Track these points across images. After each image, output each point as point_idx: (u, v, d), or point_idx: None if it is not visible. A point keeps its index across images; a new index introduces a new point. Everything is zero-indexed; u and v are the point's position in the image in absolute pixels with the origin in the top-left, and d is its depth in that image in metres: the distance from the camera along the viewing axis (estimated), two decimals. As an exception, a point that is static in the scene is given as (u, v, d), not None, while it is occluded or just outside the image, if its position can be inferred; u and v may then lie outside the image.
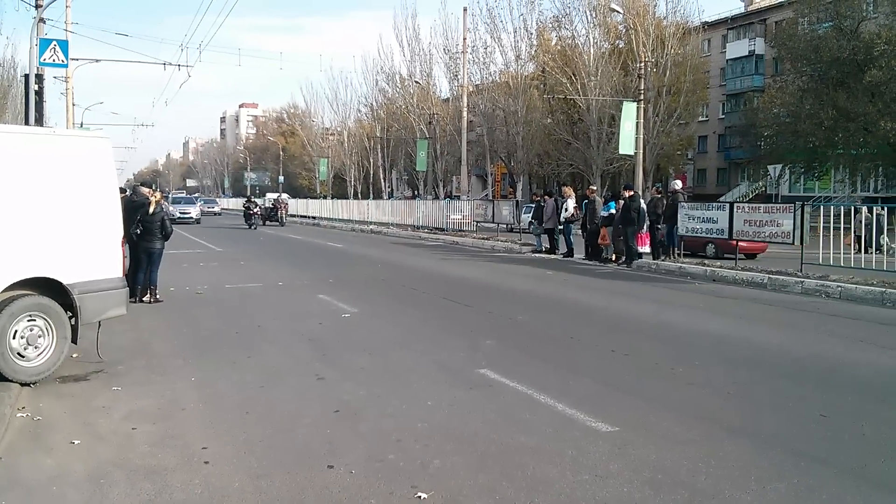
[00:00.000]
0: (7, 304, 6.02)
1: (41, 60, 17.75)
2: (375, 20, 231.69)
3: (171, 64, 26.61)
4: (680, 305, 11.19)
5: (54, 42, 18.21)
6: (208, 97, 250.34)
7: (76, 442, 4.79)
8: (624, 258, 16.81)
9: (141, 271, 10.91)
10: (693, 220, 15.92)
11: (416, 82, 51.26)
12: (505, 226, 26.48)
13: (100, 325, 6.90)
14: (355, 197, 58.15)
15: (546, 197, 20.62)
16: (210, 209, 55.32)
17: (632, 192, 17.05)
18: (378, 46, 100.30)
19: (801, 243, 13.52)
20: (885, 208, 16.15)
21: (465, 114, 37.54)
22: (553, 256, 19.34)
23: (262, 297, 11.75)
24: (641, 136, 28.92)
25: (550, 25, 44.04)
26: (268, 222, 38.98)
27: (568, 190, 20.63)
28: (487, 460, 4.48)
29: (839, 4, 35.24)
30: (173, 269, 13.80)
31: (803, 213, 13.49)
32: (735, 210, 15.10)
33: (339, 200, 49.66)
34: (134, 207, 10.81)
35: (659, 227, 16.71)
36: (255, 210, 35.69)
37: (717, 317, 10.27)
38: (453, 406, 5.61)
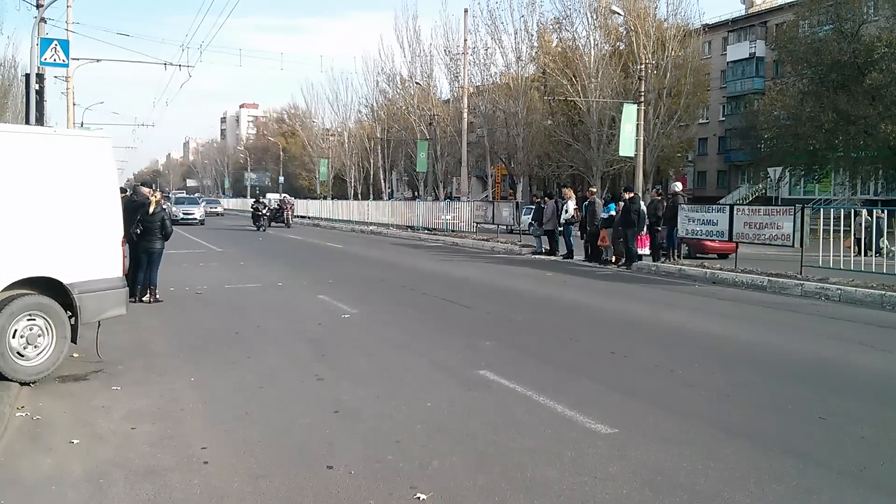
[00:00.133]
0: (7, 304, 6.02)
1: (42, 60, 17.77)
2: (376, 21, 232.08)
3: (171, 64, 26.62)
4: (679, 307, 11.20)
5: (55, 42, 18.23)
6: (209, 97, 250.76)
7: (75, 441, 4.79)
8: (624, 260, 16.82)
9: (141, 271, 10.91)
10: (693, 222, 15.92)
11: (417, 83, 51.23)
12: (505, 227, 26.47)
13: (99, 324, 6.90)
14: (355, 198, 58.11)
15: (546, 198, 20.64)
16: (213, 210, 53.62)
17: (632, 194, 17.05)
18: (379, 47, 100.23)
19: (801, 246, 13.52)
20: (885, 211, 16.16)
21: (465, 115, 37.54)
22: (553, 258, 19.34)
23: (262, 297, 11.75)
24: (642, 138, 28.89)
25: (551, 27, 44.08)
26: (273, 223, 37.87)
27: (568, 191, 20.64)
28: (486, 461, 4.48)
29: (840, 7, 35.26)
30: (173, 269, 13.81)
31: (803, 216, 13.50)
32: (735, 212, 15.11)
33: (339, 201, 49.64)
34: (134, 207, 10.81)
35: (658, 229, 16.71)
36: (263, 211, 34.57)
37: (716, 319, 10.27)
38: (452, 407, 5.61)
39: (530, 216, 22.64)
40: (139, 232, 10.85)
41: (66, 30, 23.47)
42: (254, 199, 39.43)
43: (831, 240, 13.66)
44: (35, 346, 6.19)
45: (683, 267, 15.45)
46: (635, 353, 7.68)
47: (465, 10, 36.62)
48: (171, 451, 4.62)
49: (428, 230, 30.56)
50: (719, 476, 4.25)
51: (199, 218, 39.23)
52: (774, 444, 4.83)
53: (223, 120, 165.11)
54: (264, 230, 32.84)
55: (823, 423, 5.33)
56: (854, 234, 15.62)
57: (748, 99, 48.69)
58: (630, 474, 4.27)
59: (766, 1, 52.59)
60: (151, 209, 11.06)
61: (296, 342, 8.10)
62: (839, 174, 40.50)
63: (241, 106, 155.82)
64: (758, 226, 14.42)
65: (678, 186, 18.29)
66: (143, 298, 10.83)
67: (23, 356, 6.11)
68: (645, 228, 16.90)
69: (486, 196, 54.03)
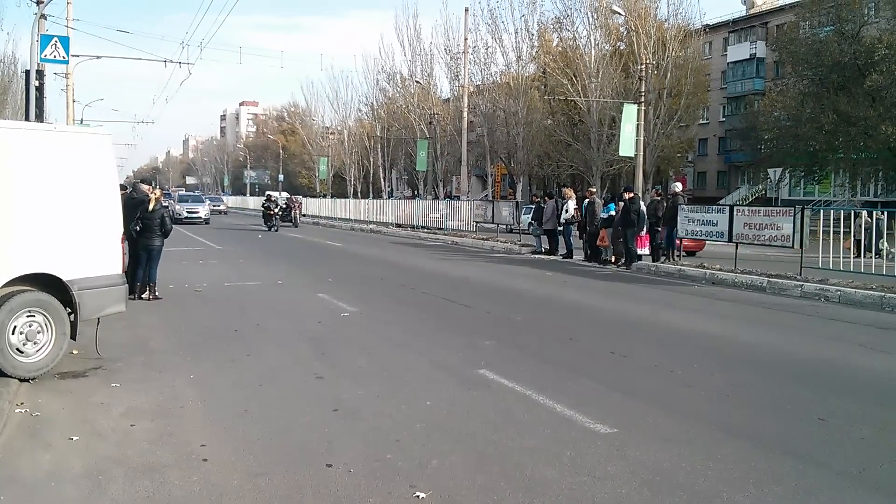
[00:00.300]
0: (6, 300, 6.01)
1: (42, 57, 17.75)
2: (376, 20, 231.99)
3: (172, 61, 26.56)
4: (679, 307, 11.20)
5: (55, 38, 18.20)
6: (209, 95, 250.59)
7: (74, 438, 4.79)
8: (623, 260, 16.82)
9: (140, 268, 10.90)
10: (693, 222, 15.92)
11: (417, 82, 51.24)
12: (505, 227, 26.47)
13: (99, 321, 6.90)
14: (355, 196, 58.13)
15: (546, 198, 20.65)
16: (216, 208, 51.79)
17: (632, 194, 17.05)
18: (379, 46, 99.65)
19: (801, 247, 13.53)
20: (885, 213, 16.16)
21: (465, 114, 37.54)
22: (552, 258, 19.35)
23: (262, 295, 11.75)
24: (642, 139, 28.89)
25: (552, 26, 44.09)
26: (281, 223, 35.47)
27: (568, 191, 20.62)
28: (486, 460, 4.48)
29: (841, 9, 35.25)
30: (172, 267, 13.79)
31: (803, 217, 13.50)
32: (735, 213, 15.11)
33: (339, 200, 49.59)
34: (134, 204, 10.80)
35: (658, 229, 16.71)
36: (275, 210, 32.64)
37: (716, 319, 10.27)
38: (452, 406, 5.61)
39: (530, 216, 22.64)
40: (139, 229, 10.84)
41: (67, 26, 23.45)
42: (265, 198, 37.53)
43: (831, 241, 13.66)
44: (34, 343, 6.18)
45: (683, 267, 15.45)
46: (635, 353, 7.68)
47: (466, 9, 36.77)
48: (171, 448, 4.62)
49: (427, 229, 30.55)
50: (718, 476, 4.25)
51: (203, 217, 37.66)
52: (774, 444, 4.83)
53: (223, 117, 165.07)
54: (276, 230, 31.17)
55: (823, 423, 5.33)
56: (854, 236, 15.62)
57: (748, 100, 48.68)
58: (629, 474, 4.27)
59: (767, 2, 52.61)
60: (151, 206, 11.04)
61: (295, 340, 8.10)
62: (839, 175, 40.51)
63: (241, 104, 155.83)
64: (757, 227, 14.42)
65: (678, 187, 18.29)
66: (143, 296, 10.82)
67: (22, 353, 6.10)
68: (645, 229, 16.91)
69: (486, 195, 54.03)
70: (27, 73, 17.94)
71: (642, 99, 28.31)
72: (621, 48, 40.56)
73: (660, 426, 5.16)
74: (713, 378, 6.66)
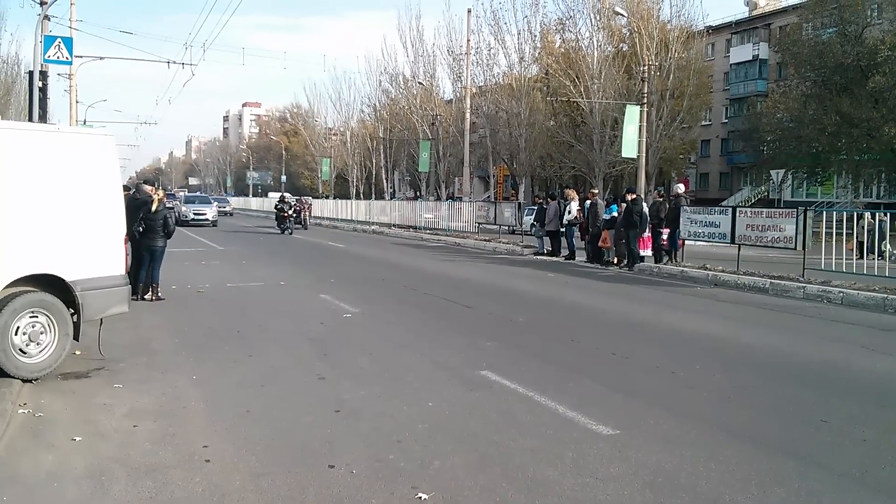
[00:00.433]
0: (10, 301, 6.03)
1: (45, 57, 17.79)
2: (376, 21, 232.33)
3: (175, 62, 26.63)
4: (681, 309, 11.19)
5: (59, 39, 18.24)
6: (212, 96, 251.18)
7: (77, 439, 4.80)
8: (625, 261, 16.81)
9: (143, 269, 10.91)
10: (695, 224, 15.91)
11: (420, 83, 51.28)
12: (507, 228, 26.49)
13: (102, 322, 6.91)
14: (357, 197, 58.14)
15: (548, 199, 20.66)
16: (222, 209, 49.25)
17: (634, 196, 17.06)
18: (382, 47, 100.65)
19: (804, 249, 13.52)
20: (888, 214, 16.13)
21: (468, 115, 37.54)
22: (555, 259, 19.34)
23: (264, 296, 11.76)
24: (644, 140, 28.93)
25: (554, 28, 44.10)
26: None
27: (571, 192, 20.62)
28: (488, 461, 4.48)
29: (844, 10, 35.22)
30: (175, 268, 13.81)
31: (806, 219, 13.49)
32: (738, 215, 15.10)
33: (342, 200, 49.59)
34: (137, 205, 10.82)
35: (661, 230, 16.70)
36: (289, 212, 30.96)
37: (718, 320, 10.27)
38: (454, 407, 5.61)
39: (532, 217, 22.63)
40: (141, 230, 10.85)
41: (70, 27, 23.57)
42: (277, 199, 35.80)
43: (834, 243, 13.65)
44: (37, 344, 6.19)
45: (685, 269, 15.44)
46: (637, 354, 7.68)
47: (469, 11, 36.60)
48: (173, 448, 4.62)
49: (429, 230, 30.55)
50: (720, 478, 4.25)
51: (211, 219, 36.10)
52: (776, 446, 4.83)
53: (226, 118, 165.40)
54: (290, 233, 29.89)
55: (825, 425, 5.32)
56: (856, 237, 15.61)
57: (751, 101, 48.61)
58: (631, 475, 4.26)
59: (770, 3, 52.58)
60: (154, 207, 11.06)
61: (298, 341, 8.11)
62: (842, 177, 40.43)
63: (244, 105, 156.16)
64: (760, 228, 14.41)
65: (681, 188, 18.31)
66: (146, 296, 10.83)
67: (25, 353, 6.11)
68: (647, 230, 16.91)
69: (489, 196, 54.08)
70: (30, 73, 17.98)
71: (645, 100, 28.35)
72: (624, 49, 40.54)
73: (662, 427, 5.16)
74: (715, 379, 6.66)
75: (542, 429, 5.09)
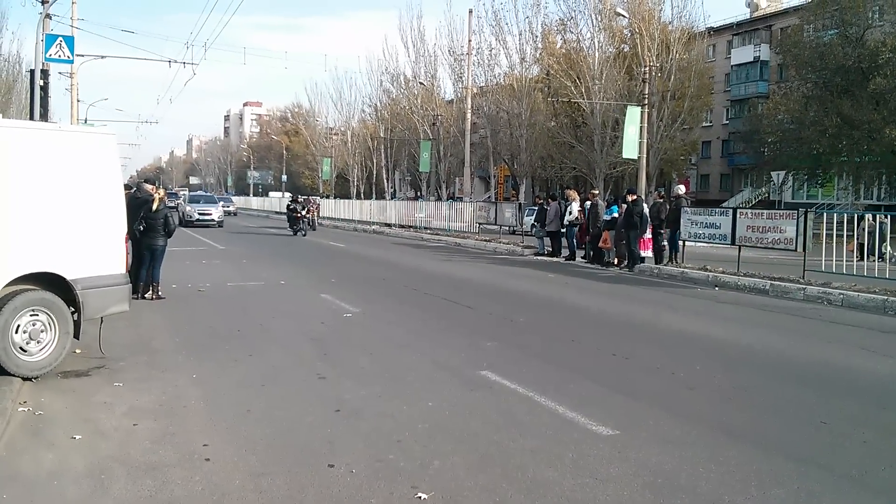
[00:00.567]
0: (10, 299, 6.03)
1: (47, 56, 17.79)
2: (377, 21, 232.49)
3: (176, 61, 26.53)
4: (681, 310, 11.19)
5: (60, 38, 18.24)
6: (213, 95, 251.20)
7: (77, 437, 4.80)
8: (626, 262, 16.81)
9: (143, 268, 10.92)
10: (696, 225, 15.92)
11: (421, 83, 51.25)
12: (507, 228, 26.48)
13: (102, 320, 6.91)
14: (358, 197, 58.11)
15: (549, 200, 20.66)
16: (226, 209, 45.90)
17: (635, 197, 17.06)
18: (383, 47, 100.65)
19: (804, 250, 13.52)
20: (889, 216, 16.12)
21: (468, 115, 37.53)
22: (555, 259, 19.34)
23: (264, 295, 11.76)
24: (645, 141, 28.90)
25: (555, 28, 44.06)
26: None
27: (572, 193, 20.63)
28: (487, 462, 4.48)
29: (845, 12, 35.21)
30: (176, 267, 13.81)
31: (806, 220, 13.49)
32: (738, 216, 15.10)
33: (342, 200, 49.59)
34: (137, 204, 10.83)
35: (662, 231, 16.69)
36: (302, 212, 29.18)
37: (718, 321, 10.27)
38: (454, 407, 5.61)
39: (533, 217, 22.63)
40: (142, 229, 10.86)
41: (71, 26, 23.57)
42: (290, 198, 34.02)
43: (834, 244, 13.66)
44: (38, 342, 6.20)
45: (686, 270, 15.43)
46: (637, 354, 7.68)
47: (470, 11, 36.53)
48: (173, 447, 4.63)
49: (430, 230, 30.55)
50: (720, 479, 4.25)
51: (217, 219, 34.21)
52: (776, 447, 4.83)
53: (227, 118, 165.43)
54: (305, 234, 28.39)
55: (825, 426, 5.32)
56: (857, 239, 15.60)
57: (752, 103, 48.61)
58: (631, 476, 4.27)
59: (771, 5, 52.55)
60: (155, 206, 11.07)
61: (298, 341, 8.11)
62: (842, 179, 40.44)
63: (245, 104, 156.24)
64: (761, 230, 14.41)
65: (681, 189, 18.30)
66: (146, 295, 10.83)
67: (25, 351, 6.12)
68: (648, 231, 16.90)
69: (489, 197, 54.07)
70: (32, 72, 17.97)
71: (646, 101, 28.32)
72: (625, 50, 40.53)
73: (662, 428, 5.16)
74: (715, 380, 6.65)
75: (542, 429, 5.09)
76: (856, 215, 16.83)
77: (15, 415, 5.19)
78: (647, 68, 31.49)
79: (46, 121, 17.02)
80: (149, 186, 11.73)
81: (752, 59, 50.17)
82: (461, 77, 44.99)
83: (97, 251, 6.71)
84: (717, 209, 17.26)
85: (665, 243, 16.67)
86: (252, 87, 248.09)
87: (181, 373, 6.52)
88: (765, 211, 16.59)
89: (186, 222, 31.77)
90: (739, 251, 15.29)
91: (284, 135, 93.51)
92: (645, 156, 30.53)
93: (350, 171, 63.95)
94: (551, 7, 71.68)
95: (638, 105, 28.47)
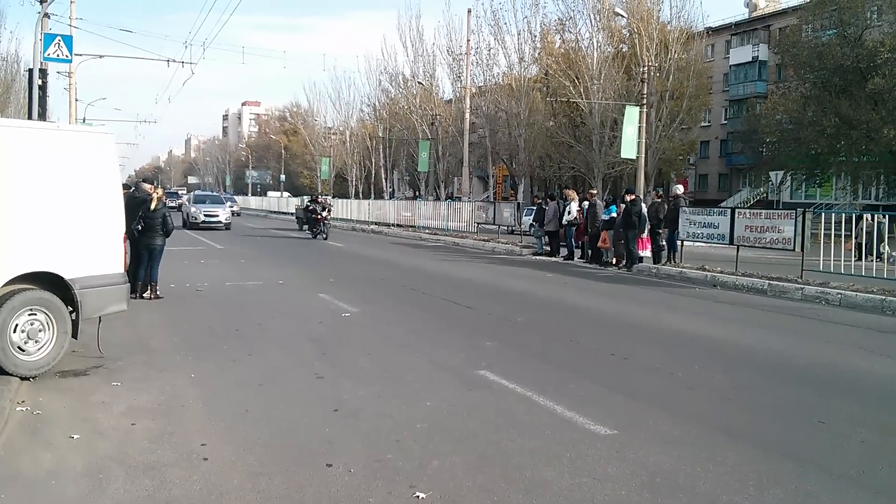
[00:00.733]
0: (8, 298, 6.02)
1: (45, 55, 17.77)
2: (378, 20, 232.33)
3: (174, 61, 26.57)
4: (680, 309, 11.19)
5: (59, 37, 18.23)
6: (211, 95, 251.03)
7: (75, 437, 4.79)
8: (624, 262, 16.82)
9: (141, 267, 10.91)
10: (694, 225, 15.93)
11: (420, 83, 51.22)
12: (506, 228, 26.49)
13: (100, 320, 6.90)
14: (357, 197, 58.13)
15: (548, 199, 20.67)
16: (231, 209, 41.48)
17: (633, 196, 17.06)
18: (381, 47, 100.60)
19: (802, 250, 13.53)
20: (886, 216, 16.14)
21: (467, 115, 37.54)
22: (553, 259, 19.35)
23: (263, 295, 11.75)
24: (643, 141, 28.92)
25: (554, 28, 44.04)
26: (305, 227, 29.90)
27: (571, 193, 20.63)
28: (486, 461, 4.48)
29: (843, 12, 35.24)
30: (174, 266, 13.80)
31: (804, 220, 13.50)
32: (736, 216, 15.11)
33: (341, 200, 49.57)
34: (136, 204, 10.82)
35: (660, 231, 16.70)
36: (323, 214, 26.44)
37: (717, 321, 10.27)
38: (453, 406, 5.60)
39: (531, 217, 22.63)
40: (140, 228, 10.86)
41: (70, 25, 23.55)
42: (309, 198, 31.21)
43: (832, 244, 13.66)
44: (36, 342, 6.19)
45: (684, 270, 15.44)
46: (636, 354, 7.68)
47: (469, 11, 36.61)
48: (171, 447, 4.62)
49: (429, 230, 30.54)
50: (719, 478, 4.25)
51: (224, 221, 30.85)
52: (774, 447, 4.83)
53: (225, 117, 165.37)
54: (326, 238, 25.98)
55: (823, 426, 5.33)
56: (855, 239, 15.61)
57: (750, 102, 48.63)
58: (629, 476, 4.27)
59: (770, 5, 52.59)
60: (153, 206, 11.06)
61: (297, 340, 8.10)
62: (841, 178, 40.49)
63: (244, 103, 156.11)
64: (759, 229, 14.42)
65: (680, 189, 18.30)
66: (144, 295, 10.83)
67: (23, 351, 6.11)
68: (646, 231, 16.91)
69: (488, 196, 54.06)
70: (30, 71, 17.96)
71: (644, 101, 28.33)
72: (624, 50, 40.53)
73: (660, 428, 5.16)
74: (714, 380, 6.66)
75: (540, 429, 5.10)
76: (854, 215, 16.85)
77: (13, 414, 5.18)
78: (646, 68, 31.54)
79: (45, 120, 17.00)
80: (147, 186, 11.74)
81: (750, 59, 50.21)
82: (460, 77, 45.00)
83: (95, 251, 6.70)
84: (716, 209, 17.25)
85: (663, 243, 16.68)
86: (251, 86, 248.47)
87: (179, 372, 6.52)
88: (763, 211, 16.60)
89: (192, 224, 30.13)
90: (738, 251, 15.30)
91: (283, 134, 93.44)
92: (643, 155, 30.57)
93: (348, 170, 63.93)
94: (550, 7, 72.08)
95: (636, 105, 28.49)
